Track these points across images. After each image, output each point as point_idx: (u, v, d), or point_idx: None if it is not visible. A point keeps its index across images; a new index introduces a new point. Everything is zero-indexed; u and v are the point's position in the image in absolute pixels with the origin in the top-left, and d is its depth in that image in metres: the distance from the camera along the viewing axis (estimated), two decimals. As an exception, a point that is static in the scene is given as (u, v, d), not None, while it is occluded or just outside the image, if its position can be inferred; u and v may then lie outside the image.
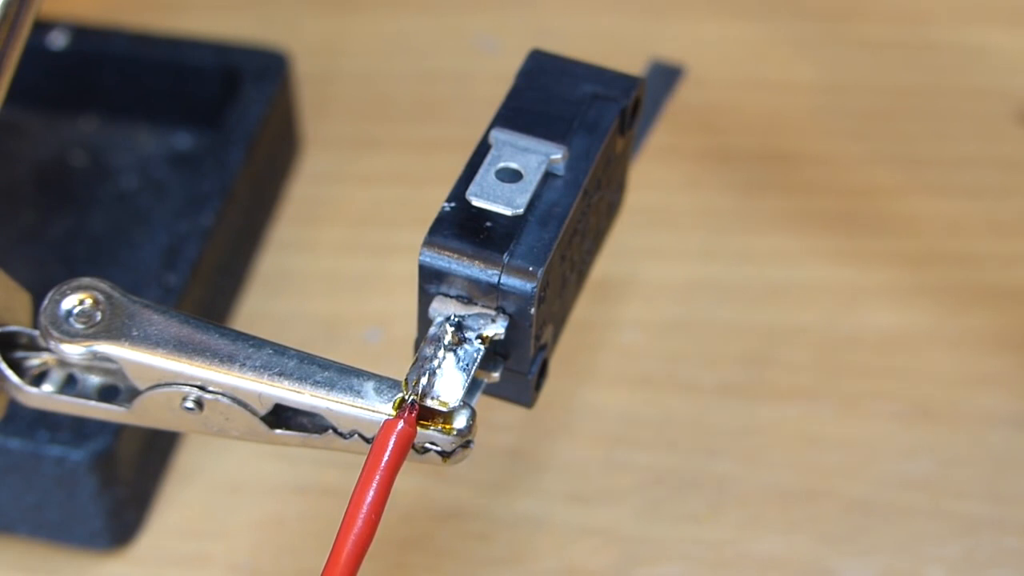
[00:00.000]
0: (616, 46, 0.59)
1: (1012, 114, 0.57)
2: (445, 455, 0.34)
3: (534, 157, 0.35)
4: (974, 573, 0.45)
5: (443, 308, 0.34)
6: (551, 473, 0.48)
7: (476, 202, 0.34)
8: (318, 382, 0.34)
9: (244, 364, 0.34)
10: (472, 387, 0.35)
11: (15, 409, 0.38)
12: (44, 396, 0.36)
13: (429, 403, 0.33)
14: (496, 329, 0.34)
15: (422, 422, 0.34)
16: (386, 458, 0.33)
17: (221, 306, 0.51)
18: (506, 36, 0.60)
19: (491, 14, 0.61)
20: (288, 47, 0.55)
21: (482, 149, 0.35)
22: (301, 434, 0.35)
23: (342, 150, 0.57)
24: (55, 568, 0.46)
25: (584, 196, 0.35)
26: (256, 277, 0.53)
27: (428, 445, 0.34)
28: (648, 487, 0.47)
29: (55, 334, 0.35)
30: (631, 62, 0.41)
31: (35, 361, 0.36)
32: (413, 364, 0.34)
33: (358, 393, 0.34)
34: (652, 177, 0.52)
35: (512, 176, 0.35)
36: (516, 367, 0.35)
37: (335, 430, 0.35)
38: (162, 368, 0.34)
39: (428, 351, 0.34)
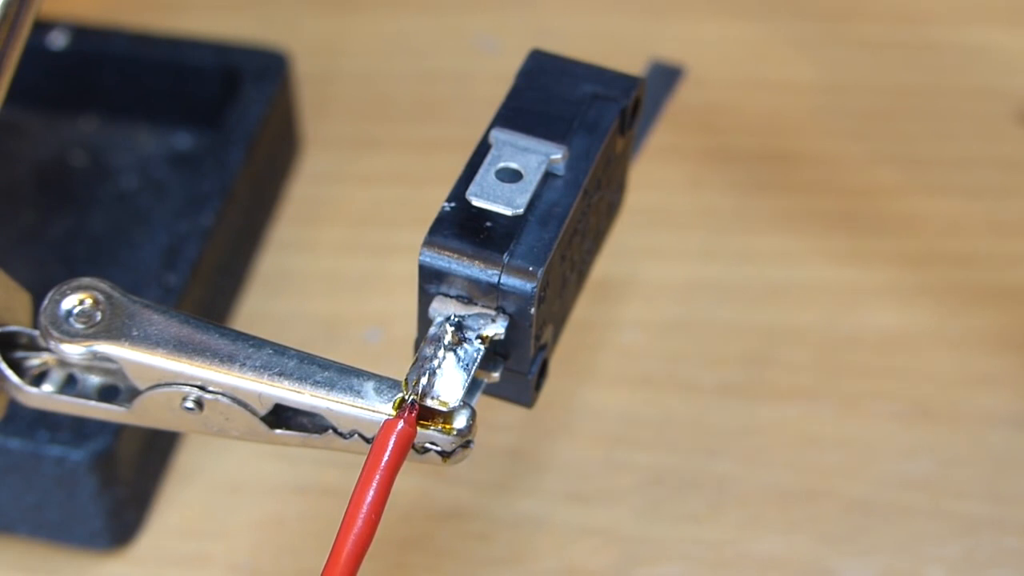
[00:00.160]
0: (616, 46, 0.59)
1: (1012, 114, 0.57)
2: (445, 455, 0.34)
3: (534, 157, 0.35)
4: (974, 573, 0.45)
5: (443, 308, 0.34)
6: (551, 473, 0.48)
7: (476, 202, 0.34)
8: (318, 382, 0.34)
9: (244, 364, 0.34)
10: (472, 387, 0.35)
11: (15, 409, 0.38)
12: (44, 396, 0.36)
13: (429, 403, 0.33)
14: (496, 329, 0.34)
15: (422, 422, 0.34)
16: (386, 458, 0.33)
17: (221, 306, 0.51)
18: (506, 36, 0.60)
19: (491, 14, 0.61)
20: (288, 47, 0.55)
21: (482, 149, 0.35)
22: (301, 434, 0.35)
23: (342, 150, 0.57)
24: (55, 568, 0.46)
25: (584, 196, 0.35)
26: (256, 277, 0.53)
27: (428, 445, 0.34)
28: (648, 487, 0.47)
29: (55, 334, 0.35)
30: (631, 62, 0.41)
31: (35, 361, 0.36)
32: (413, 364, 0.34)
33: (358, 393, 0.34)
34: (652, 177, 0.52)
35: (512, 176, 0.35)
36: (516, 367, 0.35)
37: (335, 430, 0.35)
38: (162, 368, 0.34)
39: (428, 351, 0.34)
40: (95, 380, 0.36)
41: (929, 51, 0.59)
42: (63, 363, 0.36)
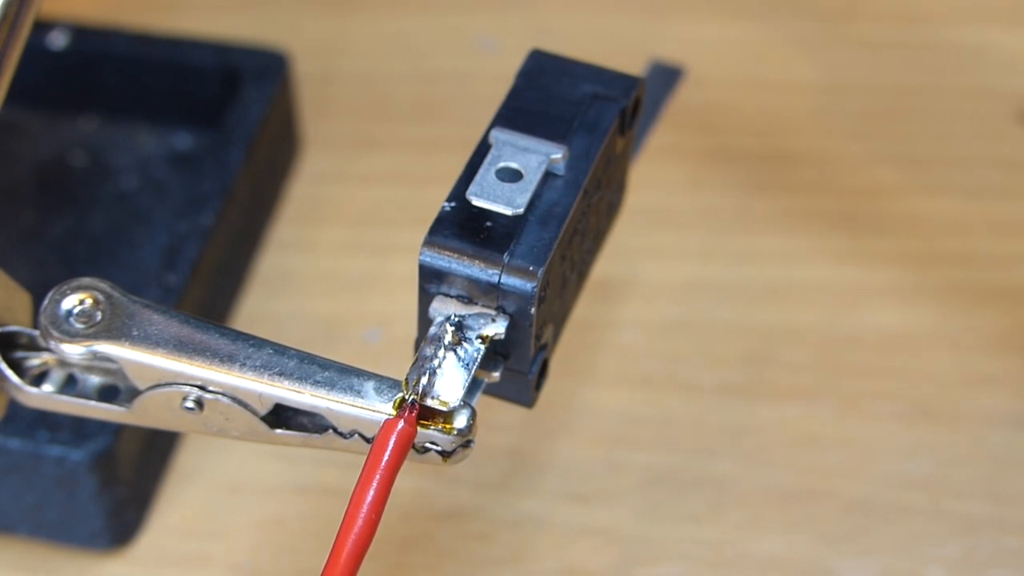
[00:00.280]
0: (616, 46, 0.59)
1: (1012, 114, 0.57)
2: (445, 455, 0.34)
3: (534, 157, 0.35)
4: (974, 573, 0.45)
5: (443, 308, 0.34)
6: (551, 473, 0.48)
7: (476, 202, 0.34)
8: (318, 382, 0.34)
9: (244, 364, 0.34)
10: (472, 387, 0.35)
11: (15, 409, 0.38)
12: (44, 396, 0.36)
13: (429, 403, 0.33)
14: (496, 329, 0.34)
15: (422, 422, 0.33)
16: (386, 458, 0.33)
17: (221, 306, 0.51)
18: (506, 36, 0.60)
19: (491, 14, 0.61)
20: (288, 47, 0.55)
21: (482, 149, 0.35)
22: (301, 434, 0.35)
23: (342, 150, 0.57)
24: (55, 568, 0.46)
25: (584, 196, 0.35)
26: (256, 277, 0.53)
27: (428, 445, 0.34)
28: (648, 487, 0.47)
29: (55, 334, 0.35)
30: (631, 62, 0.41)
31: (35, 361, 0.36)
32: (413, 364, 0.34)
33: (358, 393, 0.34)
34: (652, 177, 0.52)
35: (512, 176, 0.35)
36: (516, 367, 0.35)
37: (335, 430, 0.35)
38: (162, 368, 0.34)
39: (428, 351, 0.34)
40: (95, 380, 0.36)
41: (929, 51, 0.59)
42: (63, 363, 0.36)
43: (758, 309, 0.52)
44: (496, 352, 0.35)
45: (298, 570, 0.46)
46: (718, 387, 0.50)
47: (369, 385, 0.34)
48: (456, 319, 0.34)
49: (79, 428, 0.44)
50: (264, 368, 0.34)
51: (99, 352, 0.35)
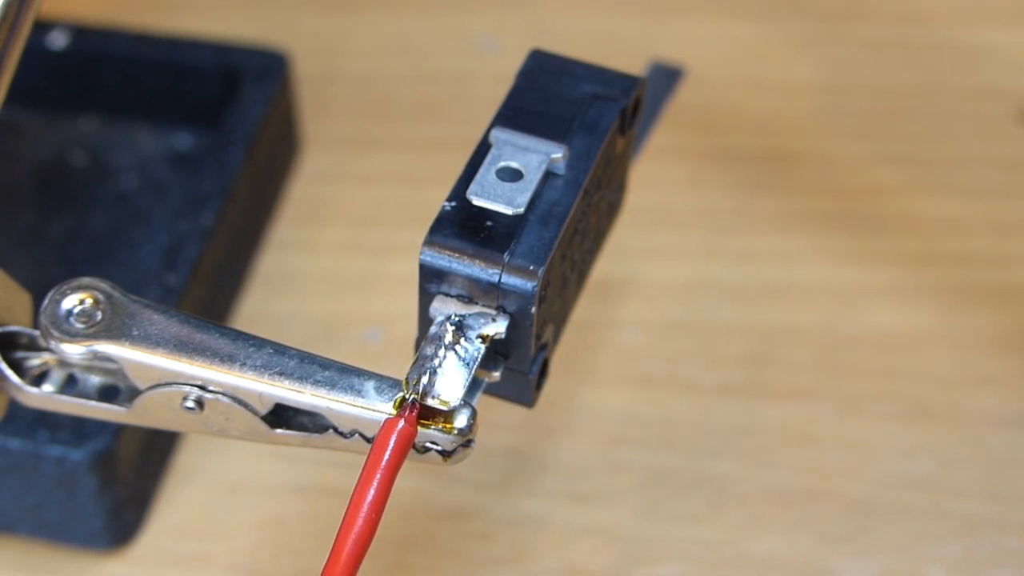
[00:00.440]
0: (616, 46, 0.59)
1: (1012, 114, 0.57)
2: (446, 454, 0.34)
3: (534, 156, 0.35)
4: (974, 573, 0.45)
5: (444, 307, 0.34)
6: (551, 473, 0.48)
7: (477, 201, 0.34)
8: (319, 381, 0.34)
9: (244, 364, 0.34)
10: (473, 386, 0.35)
11: (15, 409, 0.38)
12: (44, 396, 0.36)
13: (430, 402, 0.33)
14: (497, 328, 0.34)
15: (423, 421, 0.33)
16: (387, 457, 0.33)
17: (221, 306, 0.51)
18: (506, 36, 0.60)
19: (491, 14, 0.61)
20: (288, 47, 0.55)
21: (482, 148, 0.35)
22: (302, 434, 0.35)
23: (342, 150, 0.57)
24: (55, 568, 0.46)
25: (584, 195, 0.35)
26: (256, 277, 0.53)
27: (429, 444, 0.34)
28: (648, 487, 0.47)
29: (55, 334, 0.35)
30: (631, 62, 0.41)
31: (35, 361, 0.36)
32: (414, 363, 0.34)
33: (359, 392, 0.34)
34: (653, 177, 0.52)
35: (513, 175, 0.35)
36: (517, 367, 0.35)
37: (336, 429, 0.35)
38: (162, 368, 0.34)
39: (429, 350, 0.34)
40: (95, 380, 0.36)
41: (929, 51, 0.59)
42: (63, 363, 0.36)
43: (758, 309, 0.52)
44: (496, 352, 0.35)
45: (298, 570, 0.46)
46: (718, 387, 0.50)
47: (369, 385, 0.34)
48: (456, 319, 0.34)
49: (79, 428, 0.44)
50: (264, 368, 0.34)
51: (99, 352, 0.35)
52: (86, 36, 0.55)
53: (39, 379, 0.36)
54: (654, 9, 0.61)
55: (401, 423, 0.33)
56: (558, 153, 0.35)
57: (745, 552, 0.46)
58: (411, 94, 0.58)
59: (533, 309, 0.34)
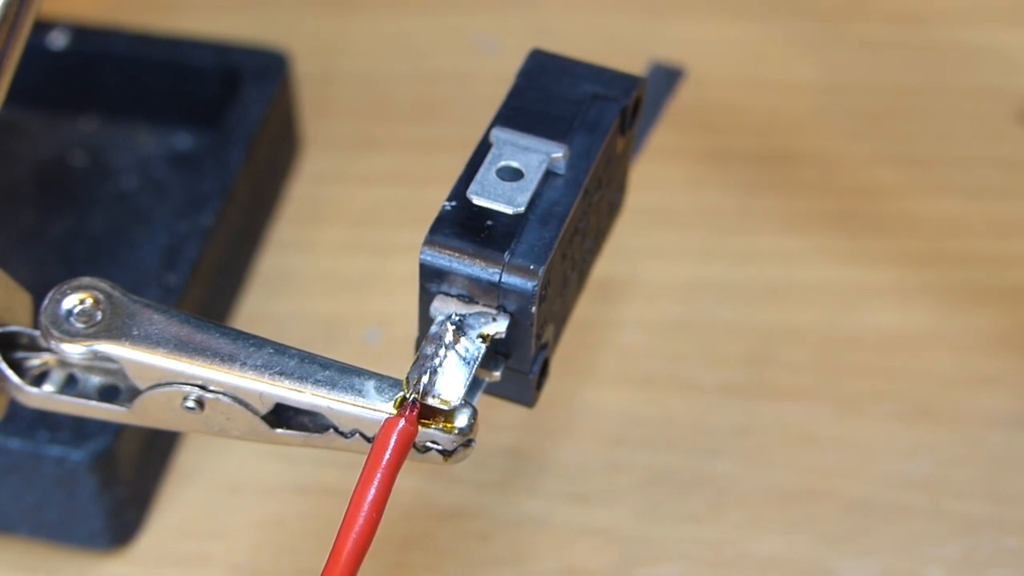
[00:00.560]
0: (616, 46, 0.59)
1: (1012, 114, 0.57)
2: (446, 454, 0.34)
3: (535, 156, 0.35)
4: (974, 573, 0.45)
5: (444, 307, 0.34)
6: (551, 473, 0.48)
7: (477, 201, 0.34)
8: (319, 381, 0.34)
9: (245, 363, 0.34)
10: (473, 386, 0.35)
11: (15, 409, 0.38)
12: (44, 396, 0.36)
13: (430, 402, 0.33)
14: (497, 328, 0.34)
15: (423, 421, 0.33)
16: (387, 457, 0.33)
17: (221, 306, 0.51)
18: (506, 36, 0.60)
19: (491, 14, 0.61)
20: (288, 47, 0.55)
21: (483, 148, 0.35)
22: (302, 433, 0.35)
23: (342, 150, 0.57)
24: (55, 568, 0.46)
25: (585, 195, 0.35)
26: (256, 277, 0.53)
27: (429, 444, 0.34)
28: (648, 487, 0.47)
29: (55, 334, 0.35)
30: (631, 62, 0.41)
31: (35, 361, 0.36)
32: (414, 363, 0.34)
33: (359, 392, 0.34)
34: (653, 177, 0.52)
35: (513, 175, 0.35)
36: (517, 366, 0.35)
37: (336, 429, 0.34)
38: (163, 367, 0.34)
39: (429, 350, 0.34)
40: (95, 380, 0.36)
41: (929, 51, 0.59)
42: (63, 363, 0.36)
43: (758, 309, 0.52)
44: (497, 351, 0.35)
45: (298, 570, 0.46)
46: (719, 387, 0.50)
47: (370, 384, 0.34)
48: (457, 318, 0.34)
49: (79, 428, 0.44)
50: (265, 367, 0.34)
51: (99, 352, 0.35)
52: (86, 36, 0.55)
53: (39, 379, 0.36)
54: (654, 9, 0.61)
55: (402, 423, 0.33)
56: (558, 153, 0.35)
57: (745, 552, 0.46)
58: (411, 94, 0.58)
59: (533, 309, 0.34)
